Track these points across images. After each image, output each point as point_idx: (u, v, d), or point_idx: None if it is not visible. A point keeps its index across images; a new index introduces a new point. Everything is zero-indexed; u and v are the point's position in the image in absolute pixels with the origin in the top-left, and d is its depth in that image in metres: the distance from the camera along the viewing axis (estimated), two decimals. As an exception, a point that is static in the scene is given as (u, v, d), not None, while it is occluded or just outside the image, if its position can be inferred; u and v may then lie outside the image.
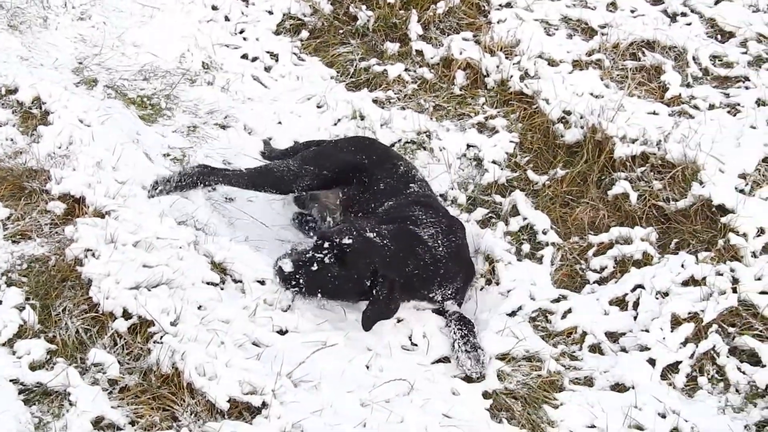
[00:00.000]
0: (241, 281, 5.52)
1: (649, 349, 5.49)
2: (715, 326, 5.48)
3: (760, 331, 5.44)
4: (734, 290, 5.60)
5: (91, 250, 5.28)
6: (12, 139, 6.24)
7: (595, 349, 5.62)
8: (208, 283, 5.38)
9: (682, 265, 5.81)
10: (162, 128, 6.92)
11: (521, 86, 7.27)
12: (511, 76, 7.33)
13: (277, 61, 7.88)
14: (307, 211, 6.50)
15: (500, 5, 7.89)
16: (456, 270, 5.75)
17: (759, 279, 5.62)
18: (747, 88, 7.13)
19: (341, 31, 8.05)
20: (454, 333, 5.44)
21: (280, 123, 7.28)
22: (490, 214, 6.53)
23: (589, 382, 5.40)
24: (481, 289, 6.02)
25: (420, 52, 7.76)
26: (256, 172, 6.18)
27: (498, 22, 7.74)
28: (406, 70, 7.66)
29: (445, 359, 5.40)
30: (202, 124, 7.08)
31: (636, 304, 5.76)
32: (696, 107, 6.97)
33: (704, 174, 6.20)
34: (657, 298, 5.71)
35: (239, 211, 6.33)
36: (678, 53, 7.45)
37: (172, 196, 5.86)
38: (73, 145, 6.07)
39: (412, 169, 6.32)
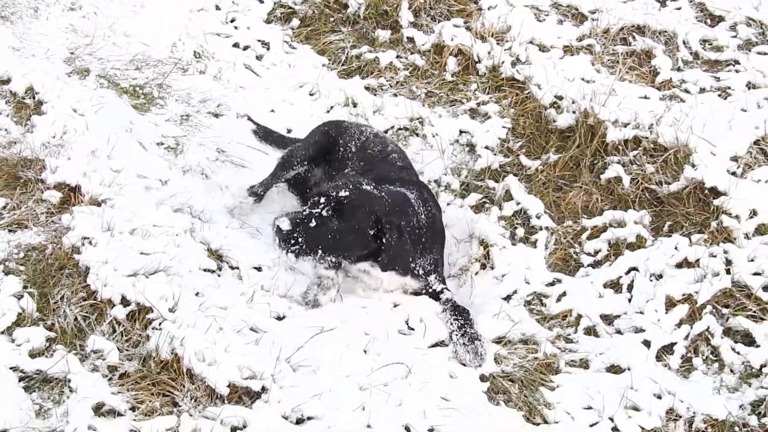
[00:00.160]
0: (237, 268, 5.55)
1: (643, 330, 5.52)
2: (709, 307, 5.52)
3: (754, 312, 5.48)
4: (728, 271, 5.63)
5: (88, 238, 5.30)
6: (6, 129, 6.25)
7: (590, 331, 5.64)
8: (205, 270, 5.41)
9: (676, 248, 5.84)
10: (155, 117, 6.92)
11: (513, 72, 7.29)
12: (503, 62, 7.35)
13: (268, 49, 7.90)
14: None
15: (490, -9, 7.91)
16: (433, 240, 5.76)
17: (752, 260, 5.65)
18: (737, 71, 7.18)
19: (332, 19, 8.07)
20: (450, 324, 5.43)
21: (272, 111, 7.30)
22: (483, 199, 6.54)
23: (584, 364, 5.42)
24: (476, 274, 6.03)
25: (411, 39, 7.78)
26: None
27: (488, 9, 7.77)
28: (397, 57, 7.68)
29: (441, 343, 5.40)
30: (195, 112, 7.09)
31: (630, 287, 5.79)
32: (687, 91, 7.00)
33: (696, 157, 6.23)
34: (651, 281, 5.74)
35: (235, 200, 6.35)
36: (668, 38, 7.48)
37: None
38: (68, 135, 6.09)
39: (386, 143, 6.38)
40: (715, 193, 6.07)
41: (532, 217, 6.37)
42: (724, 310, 5.52)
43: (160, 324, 4.91)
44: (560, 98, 6.97)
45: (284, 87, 7.51)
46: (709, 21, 7.72)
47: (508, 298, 5.84)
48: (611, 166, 6.46)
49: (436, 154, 6.82)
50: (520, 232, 6.29)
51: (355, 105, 7.23)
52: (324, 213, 5.30)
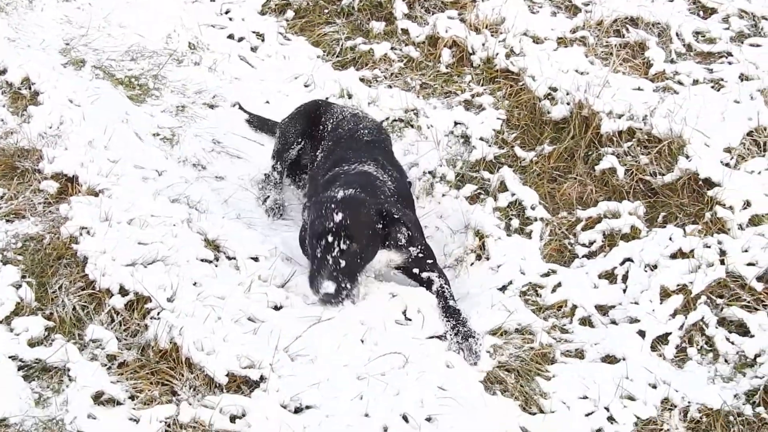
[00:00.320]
0: (234, 258, 5.56)
1: (638, 321, 5.54)
2: (703, 298, 5.54)
3: (748, 302, 5.50)
4: (722, 262, 5.65)
5: (86, 228, 5.31)
6: (2, 120, 6.27)
7: (586, 321, 5.66)
8: (202, 260, 5.42)
9: (670, 238, 5.86)
10: (150, 108, 6.95)
11: (507, 63, 7.31)
12: (497, 54, 7.38)
13: (263, 41, 7.92)
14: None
15: (484, -17, 7.93)
16: (405, 206, 5.75)
17: (746, 251, 5.68)
18: (730, 63, 7.21)
19: (326, 11, 8.09)
20: (445, 324, 5.44)
21: (267, 102, 7.32)
22: (478, 191, 6.56)
23: (580, 354, 5.44)
24: (471, 265, 6.04)
25: (405, 31, 7.81)
26: None
27: (483, 0, 7.80)
28: (392, 48, 7.70)
29: (440, 337, 5.43)
30: (190, 103, 7.11)
31: (625, 277, 5.82)
32: (680, 83, 7.03)
33: (690, 148, 6.25)
34: (646, 271, 5.76)
35: (232, 189, 6.36)
36: (661, 29, 7.51)
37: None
38: (64, 125, 6.11)
39: (359, 121, 6.41)
40: (709, 184, 6.10)
41: (527, 208, 6.38)
42: (719, 301, 5.54)
43: (158, 313, 4.92)
44: (554, 90, 6.99)
45: (279, 78, 7.54)
46: (701, 13, 7.75)
47: (503, 288, 5.86)
48: (606, 157, 6.48)
49: (431, 145, 6.83)
50: (515, 223, 6.31)
51: (350, 96, 7.25)
52: (343, 246, 5.19)
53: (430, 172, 6.66)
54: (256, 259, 5.60)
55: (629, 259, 5.88)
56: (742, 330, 5.44)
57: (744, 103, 6.64)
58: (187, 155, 6.58)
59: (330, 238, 5.17)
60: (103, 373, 4.70)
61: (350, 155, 5.96)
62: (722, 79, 7.00)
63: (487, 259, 6.03)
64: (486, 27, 7.56)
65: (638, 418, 5.03)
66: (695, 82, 7.02)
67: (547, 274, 5.96)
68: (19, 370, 4.69)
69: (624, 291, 5.76)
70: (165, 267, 5.19)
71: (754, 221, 5.88)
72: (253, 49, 7.84)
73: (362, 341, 5.14)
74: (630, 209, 6.16)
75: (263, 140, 6.88)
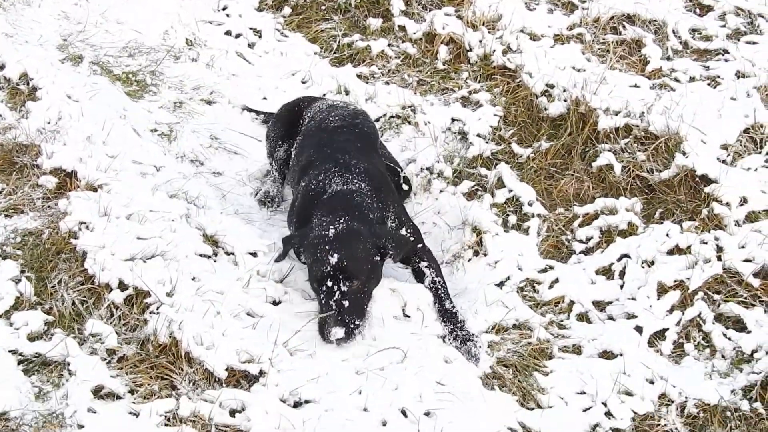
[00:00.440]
0: (233, 253, 5.57)
1: (636, 317, 5.55)
2: (700, 293, 5.55)
3: (745, 298, 5.52)
4: (719, 258, 5.66)
5: (85, 223, 5.34)
6: (1, 115, 6.26)
7: (583, 317, 5.67)
8: (201, 255, 5.43)
9: (667, 235, 5.87)
10: (148, 104, 6.96)
11: (504, 60, 7.32)
12: (494, 51, 7.38)
13: (260, 37, 7.92)
14: None
15: (481, -20, 7.94)
16: (384, 199, 5.66)
17: (743, 247, 5.69)
18: (726, 60, 7.21)
19: (323, 8, 8.10)
20: (443, 328, 5.44)
21: (265, 98, 7.32)
22: (476, 187, 6.56)
23: (577, 349, 5.46)
24: (469, 261, 6.05)
25: (402, 28, 7.81)
26: None
27: (479, -3, 7.80)
28: (389, 45, 7.71)
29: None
30: (188, 99, 7.13)
31: (622, 273, 5.83)
32: (677, 80, 7.04)
33: (687, 145, 6.27)
34: (643, 267, 5.77)
35: (230, 185, 6.38)
36: (658, 27, 7.52)
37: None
38: (63, 121, 6.12)
39: (332, 110, 6.34)
40: (706, 180, 6.11)
41: (524, 205, 6.39)
42: (716, 297, 5.55)
43: (157, 308, 4.94)
44: (551, 87, 7.00)
45: (276, 75, 7.54)
46: (698, 10, 7.75)
47: (501, 284, 5.86)
48: (602, 153, 6.49)
49: (429, 141, 6.84)
50: (513, 219, 6.32)
51: (347, 93, 7.26)
52: (344, 288, 5.10)
53: (427, 169, 6.67)
54: (254, 255, 5.61)
55: (626, 255, 5.89)
56: (739, 326, 5.45)
57: (740, 100, 6.65)
58: (185, 151, 6.60)
59: (330, 283, 5.10)
60: (102, 367, 4.72)
61: (315, 157, 5.85)
62: (719, 77, 7.01)
63: (485, 255, 6.04)
64: (483, 24, 7.57)
65: (635, 413, 5.06)
66: (692, 79, 7.03)
67: (544, 270, 5.97)
68: (19, 364, 4.71)
69: (621, 287, 5.77)
70: (164, 262, 5.21)
71: (751, 218, 5.90)
72: (251, 46, 7.85)
73: (361, 336, 5.15)
74: (627, 206, 6.17)
75: (261, 136, 6.88)
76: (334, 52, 7.75)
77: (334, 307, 5.05)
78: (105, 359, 4.79)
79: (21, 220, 5.52)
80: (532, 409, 5.07)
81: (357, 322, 5.09)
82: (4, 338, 4.79)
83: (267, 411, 4.52)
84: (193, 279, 5.20)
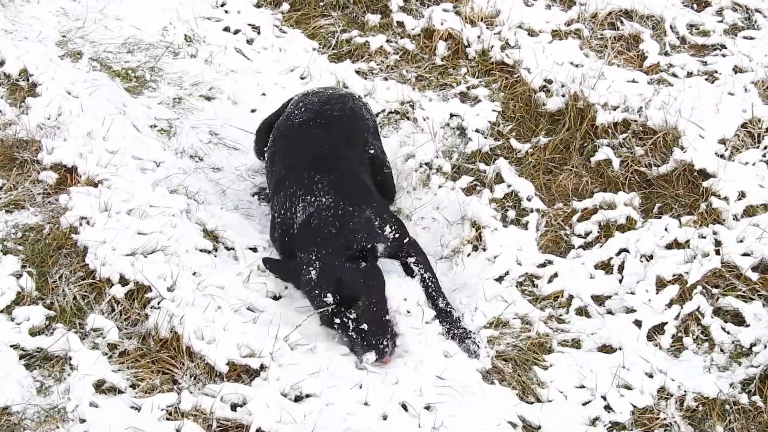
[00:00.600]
0: (233, 248, 5.59)
1: (635, 311, 5.57)
2: (699, 288, 5.57)
3: (743, 292, 5.54)
4: (717, 252, 5.68)
5: (85, 218, 5.35)
6: (1, 111, 6.27)
7: (582, 312, 5.68)
8: (201, 250, 5.45)
9: (666, 229, 5.88)
10: (147, 100, 6.97)
11: (502, 56, 7.33)
12: (492, 47, 7.39)
13: (259, 33, 7.92)
14: None
15: (479, -24, 7.95)
16: (352, 199, 5.52)
17: (741, 241, 5.71)
18: (724, 55, 7.24)
19: (322, 4, 8.10)
20: (441, 327, 5.45)
21: (264, 95, 7.32)
22: (474, 182, 6.56)
23: (576, 344, 5.47)
24: (468, 255, 6.06)
25: (401, 24, 7.82)
26: None
27: (477, -7, 7.81)
28: (387, 41, 7.71)
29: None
30: (187, 95, 7.13)
31: (621, 268, 5.84)
32: (674, 75, 7.06)
33: (685, 140, 6.28)
34: (642, 262, 5.79)
35: (229, 180, 6.39)
36: (655, 22, 7.54)
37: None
38: (63, 116, 6.14)
39: (314, 98, 6.26)
40: (704, 175, 6.13)
41: (523, 200, 6.39)
42: (714, 291, 5.57)
43: (158, 303, 4.95)
44: (550, 82, 7.01)
45: (275, 71, 7.55)
46: (695, 6, 7.77)
47: (500, 279, 5.87)
48: (601, 149, 6.50)
49: (427, 137, 6.84)
50: (512, 214, 6.32)
51: (346, 88, 7.26)
52: (352, 316, 5.03)
53: (426, 164, 6.67)
54: (254, 250, 5.64)
55: (625, 250, 5.90)
56: (738, 320, 5.47)
57: (738, 95, 6.67)
58: (185, 147, 6.61)
59: (338, 320, 5.04)
60: (104, 361, 4.74)
61: (282, 174, 5.73)
62: (716, 72, 7.03)
63: (484, 249, 6.05)
64: (481, 20, 7.58)
65: (635, 406, 5.07)
66: (689, 74, 7.05)
67: (543, 265, 5.98)
68: (20, 358, 4.73)
69: (620, 281, 5.78)
70: (165, 257, 5.23)
71: (749, 212, 5.92)
72: (249, 42, 7.85)
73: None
74: (625, 200, 6.19)
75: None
76: (333, 48, 7.76)
77: (355, 337, 5.02)
78: (106, 354, 4.80)
79: (22, 216, 5.53)
80: (532, 403, 5.09)
81: (384, 339, 5.04)
82: (5, 333, 4.81)
83: (268, 405, 4.53)
84: (194, 274, 5.22)
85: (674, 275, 5.64)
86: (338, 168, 5.68)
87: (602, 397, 5.10)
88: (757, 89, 6.70)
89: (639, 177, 6.35)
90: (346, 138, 5.98)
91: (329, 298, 5.02)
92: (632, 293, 5.66)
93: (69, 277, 5.13)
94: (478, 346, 5.31)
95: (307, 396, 4.72)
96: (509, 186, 6.46)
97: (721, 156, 6.22)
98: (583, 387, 5.17)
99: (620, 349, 5.36)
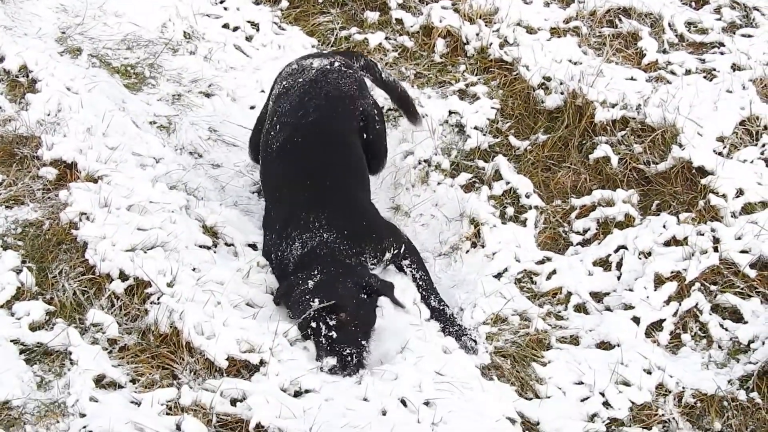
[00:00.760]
0: (232, 245, 5.61)
1: (633, 307, 5.59)
2: (697, 284, 5.59)
3: (741, 289, 5.56)
4: (715, 249, 5.69)
5: (85, 214, 5.35)
6: (1, 107, 6.27)
7: (580, 308, 5.71)
8: (201, 246, 5.46)
9: (664, 226, 5.90)
10: (147, 96, 6.98)
11: (501, 53, 7.34)
12: (491, 44, 7.40)
13: (258, 30, 7.92)
14: None
15: (477, -27, 7.95)
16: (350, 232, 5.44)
17: (739, 238, 5.72)
18: (722, 53, 7.25)
19: (321, 1, 8.10)
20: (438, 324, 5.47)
21: (263, 91, 7.32)
22: (473, 179, 6.58)
23: (575, 340, 5.50)
24: (466, 252, 6.08)
25: (400, 21, 7.82)
26: None
27: (476, -10, 7.81)
28: (386, 38, 7.71)
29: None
30: (186, 92, 7.14)
31: (619, 265, 5.86)
32: (673, 73, 7.06)
33: (683, 137, 6.29)
34: (640, 258, 5.80)
35: (228, 177, 6.40)
36: (654, 20, 7.54)
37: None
38: (62, 112, 6.13)
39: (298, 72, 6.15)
40: (702, 172, 6.14)
41: (522, 197, 6.41)
42: (712, 287, 5.59)
43: (158, 298, 4.95)
44: (548, 79, 7.02)
45: (274, 68, 7.50)
46: (693, 4, 7.77)
47: (498, 275, 5.90)
48: (599, 146, 6.52)
49: (426, 134, 6.86)
50: (510, 211, 6.34)
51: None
52: (332, 322, 4.98)
53: (425, 161, 6.69)
54: (254, 246, 5.65)
55: (623, 247, 5.92)
56: (736, 316, 5.50)
57: (736, 92, 6.68)
58: (184, 143, 6.63)
59: (315, 324, 4.98)
60: (104, 356, 4.74)
61: (279, 192, 5.64)
62: (714, 69, 7.04)
63: (483, 246, 6.07)
64: (480, 17, 7.58)
65: (633, 403, 5.09)
66: (688, 72, 7.05)
67: (542, 262, 6.01)
68: (20, 353, 4.73)
69: (618, 278, 5.80)
70: (164, 252, 5.22)
71: (747, 209, 5.93)
72: (248, 39, 7.85)
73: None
74: (624, 197, 6.20)
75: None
76: (332, 45, 7.76)
77: (324, 342, 4.95)
78: (106, 349, 4.80)
79: (21, 211, 5.53)
80: (531, 399, 5.11)
81: (350, 354, 4.94)
82: (5, 328, 4.81)
83: (268, 400, 4.53)
84: (194, 269, 5.22)
85: (672, 272, 5.65)
86: (333, 200, 5.51)
87: (600, 393, 5.11)
88: (756, 87, 6.70)
89: (637, 174, 6.37)
90: (332, 137, 5.80)
91: (315, 303, 4.97)
92: (630, 290, 5.67)
93: (69, 272, 5.14)
94: (475, 342, 5.32)
95: (307, 391, 4.71)
96: (508, 183, 6.48)
97: (720, 153, 6.23)
98: (582, 383, 5.18)
99: (618, 345, 5.37)
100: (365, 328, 5.13)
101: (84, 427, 4.33)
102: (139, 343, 4.84)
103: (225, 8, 8.05)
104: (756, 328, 5.37)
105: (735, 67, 7.02)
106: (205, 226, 5.62)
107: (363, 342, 5.05)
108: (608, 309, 5.67)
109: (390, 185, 6.63)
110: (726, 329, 5.45)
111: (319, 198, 5.47)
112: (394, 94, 6.76)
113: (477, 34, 7.49)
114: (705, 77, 6.96)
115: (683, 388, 5.15)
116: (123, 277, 5.07)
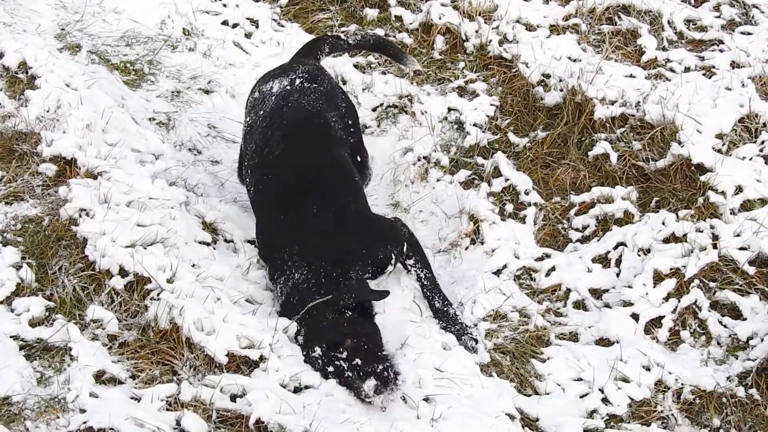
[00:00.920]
0: (232, 241, 5.62)
1: (632, 304, 5.60)
2: (696, 281, 5.60)
3: (740, 286, 5.57)
4: (714, 246, 5.70)
5: (85, 210, 5.34)
6: (0, 103, 6.27)
7: (580, 305, 5.72)
8: (200, 242, 5.46)
9: (663, 223, 5.91)
10: (146, 93, 6.98)
11: (500, 51, 7.34)
12: (490, 41, 7.40)
13: (257, 27, 7.92)
14: None
15: (477, -30, 7.95)
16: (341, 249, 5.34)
17: (738, 235, 5.73)
18: (721, 51, 7.24)
19: (320, -2, 8.12)
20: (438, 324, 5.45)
21: (262, 89, 7.33)
22: (472, 176, 6.60)
23: (574, 337, 5.51)
24: (466, 249, 6.09)
25: (399, 18, 7.82)
26: None
27: (476, -13, 7.81)
28: (386, 35, 7.71)
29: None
30: (185, 89, 7.14)
31: (618, 261, 5.87)
32: (672, 70, 7.07)
33: (682, 134, 6.30)
34: (639, 255, 5.81)
35: (228, 173, 6.41)
36: (653, 17, 7.54)
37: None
38: (62, 109, 6.12)
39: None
40: (702, 169, 6.15)
41: (521, 194, 6.43)
42: (711, 284, 5.60)
43: (158, 294, 4.95)
44: (548, 76, 7.03)
45: (274, 64, 7.48)
46: (692, 1, 7.77)
47: (498, 272, 5.91)
48: (599, 143, 6.52)
49: (426, 131, 6.87)
50: (509, 207, 6.35)
51: (344, 82, 7.27)
52: (344, 355, 4.83)
53: (424, 158, 6.70)
54: (253, 243, 5.64)
55: (622, 244, 5.93)
56: (735, 313, 5.52)
57: (735, 90, 6.68)
58: (184, 140, 6.63)
59: (332, 368, 4.83)
60: (104, 352, 4.73)
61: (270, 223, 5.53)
62: (714, 67, 7.05)
63: (482, 243, 6.08)
64: (479, 14, 7.58)
65: (632, 399, 5.11)
66: (687, 69, 7.05)
67: (541, 258, 6.02)
68: (20, 349, 4.72)
69: (617, 275, 5.82)
70: (164, 249, 5.22)
71: (746, 206, 5.94)
72: (248, 36, 7.85)
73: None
74: (623, 194, 6.21)
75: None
76: (331, 44, 7.76)
77: (351, 374, 4.77)
78: (106, 345, 4.80)
79: (21, 208, 5.53)
80: (530, 395, 5.13)
81: (382, 368, 4.73)
82: (5, 324, 4.80)
83: (267, 396, 4.52)
84: (193, 266, 5.22)
85: (671, 269, 5.67)
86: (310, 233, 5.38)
87: (600, 389, 5.14)
88: (755, 84, 6.70)
89: (636, 171, 6.38)
90: (300, 169, 5.61)
91: (317, 351, 4.86)
92: (630, 287, 5.68)
93: (69, 268, 5.13)
94: (476, 341, 5.33)
95: (306, 387, 4.72)
96: (507, 180, 6.49)
97: (719, 151, 6.24)
98: (581, 380, 5.20)
99: (618, 342, 5.39)
100: (374, 340, 4.97)
101: (84, 422, 4.32)
102: (139, 339, 4.84)
103: (224, 5, 8.05)
104: (755, 324, 5.39)
105: (734, 65, 7.03)
106: (204, 222, 5.63)
107: (384, 353, 4.89)
108: (607, 306, 5.68)
109: (389, 182, 6.63)
110: (725, 326, 5.47)
111: (299, 234, 5.34)
112: (371, 47, 6.91)
113: (476, 31, 7.49)
114: (704, 74, 6.97)
115: (682, 384, 5.16)
116: (123, 273, 5.07)
